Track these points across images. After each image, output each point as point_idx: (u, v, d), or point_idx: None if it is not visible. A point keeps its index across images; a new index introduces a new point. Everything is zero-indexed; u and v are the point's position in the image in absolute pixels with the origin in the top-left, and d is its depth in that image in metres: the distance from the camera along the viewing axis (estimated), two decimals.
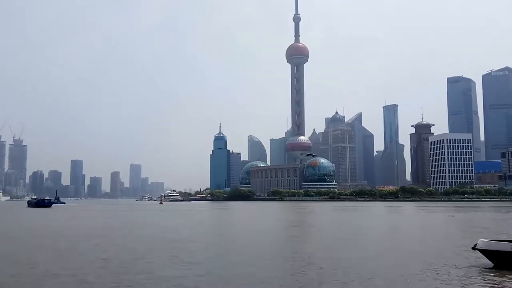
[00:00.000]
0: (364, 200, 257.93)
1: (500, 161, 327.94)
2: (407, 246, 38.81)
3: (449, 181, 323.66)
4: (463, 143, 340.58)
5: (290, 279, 22.70)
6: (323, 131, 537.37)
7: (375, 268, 26.84)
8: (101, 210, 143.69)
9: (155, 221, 79.50)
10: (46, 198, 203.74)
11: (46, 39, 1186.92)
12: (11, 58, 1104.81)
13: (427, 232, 55.19)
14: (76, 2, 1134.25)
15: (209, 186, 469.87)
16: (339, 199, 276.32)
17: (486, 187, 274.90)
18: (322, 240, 44.70)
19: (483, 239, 29.13)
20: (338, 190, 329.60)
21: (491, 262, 27.81)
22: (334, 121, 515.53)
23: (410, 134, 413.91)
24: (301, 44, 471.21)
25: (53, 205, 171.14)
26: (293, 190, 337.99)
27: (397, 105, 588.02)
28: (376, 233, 52.62)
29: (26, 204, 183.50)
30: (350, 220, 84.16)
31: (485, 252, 28.14)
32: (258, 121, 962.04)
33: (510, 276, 24.59)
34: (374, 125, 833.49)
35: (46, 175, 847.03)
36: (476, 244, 28.53)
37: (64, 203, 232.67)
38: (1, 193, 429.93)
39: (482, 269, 26.82)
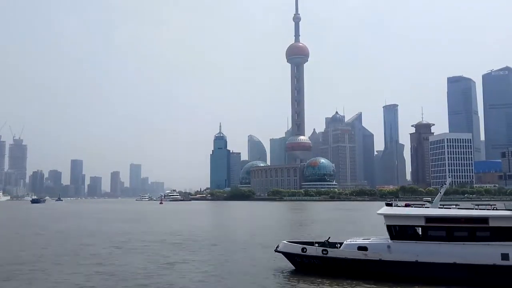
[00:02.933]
0: (364, 200, 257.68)
1: (500, 161, 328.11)
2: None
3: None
4: (463, 142, 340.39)
5: None
6: (323, 131, 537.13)
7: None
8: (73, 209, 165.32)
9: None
10: (34, 197, 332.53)
11: (47, 40, 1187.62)
12: (11, 58, 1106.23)
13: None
14: (81, 3, 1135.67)
15: (209, 186, 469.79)
16: (339, 199, 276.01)
17: (486, 186, 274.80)
18: None
19: (284, 241, 28.63)
20: (338, 190, 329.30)
21: (292, 265, 27.47)
22: (334, 121, 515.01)
23: (410, 133, 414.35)
24: (301, 44, 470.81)
25: (45, 202, 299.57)
26: (293, 190, 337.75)
27: (397, 105, 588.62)
28: None
29: (30, 201, 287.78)
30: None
31: (284, 254, 27.81)
32: (258, 121, 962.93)
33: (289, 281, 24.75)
34: (374, 125, 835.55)
35: (46, 175, 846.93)
36: (278, 246, 28.22)
37: (62, 200, 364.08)
38: (1, 193, 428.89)
39: (277, 272, 26.71)
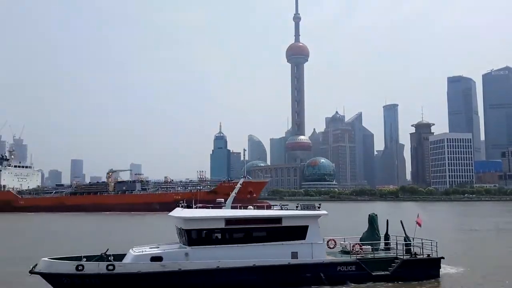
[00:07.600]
0: (364, 200, 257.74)
1: (500, 160, 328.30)
2: None
3: (449, 181, 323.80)
4: (463, 142, 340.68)
5: None
6: (323, 130, 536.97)
7: None
8: None
9: None
10: None
11: (46, 40, 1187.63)
12: (11, 58, 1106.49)
13: None
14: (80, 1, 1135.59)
15: None
16: (339, 199, 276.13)
17: (486, 186, 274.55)
18: None
19: (45, 258, 22.10)
20: (338, 190, 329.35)
21: None
22: (334, 120, 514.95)
23: (410, 133, 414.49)
24: (301, 44, 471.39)
25: None
26: (293, 190, 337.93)
27: (397, 105, 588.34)
28: None
29: None
30: None
31: (47, 276, 21.37)
32: (258, 121, 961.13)
33: None
34: (374, 125, 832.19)
35: (46, 175, 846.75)
36: (36, 266, 21.86)
37: None
38: None
39: None
